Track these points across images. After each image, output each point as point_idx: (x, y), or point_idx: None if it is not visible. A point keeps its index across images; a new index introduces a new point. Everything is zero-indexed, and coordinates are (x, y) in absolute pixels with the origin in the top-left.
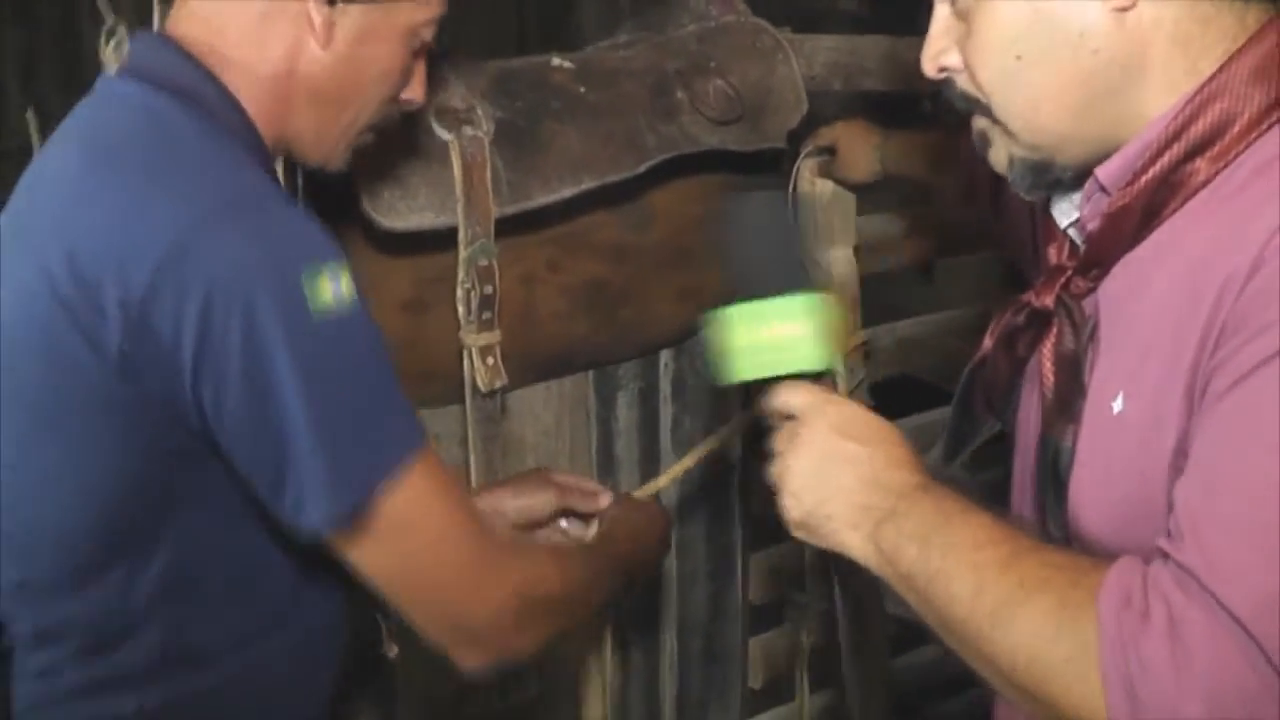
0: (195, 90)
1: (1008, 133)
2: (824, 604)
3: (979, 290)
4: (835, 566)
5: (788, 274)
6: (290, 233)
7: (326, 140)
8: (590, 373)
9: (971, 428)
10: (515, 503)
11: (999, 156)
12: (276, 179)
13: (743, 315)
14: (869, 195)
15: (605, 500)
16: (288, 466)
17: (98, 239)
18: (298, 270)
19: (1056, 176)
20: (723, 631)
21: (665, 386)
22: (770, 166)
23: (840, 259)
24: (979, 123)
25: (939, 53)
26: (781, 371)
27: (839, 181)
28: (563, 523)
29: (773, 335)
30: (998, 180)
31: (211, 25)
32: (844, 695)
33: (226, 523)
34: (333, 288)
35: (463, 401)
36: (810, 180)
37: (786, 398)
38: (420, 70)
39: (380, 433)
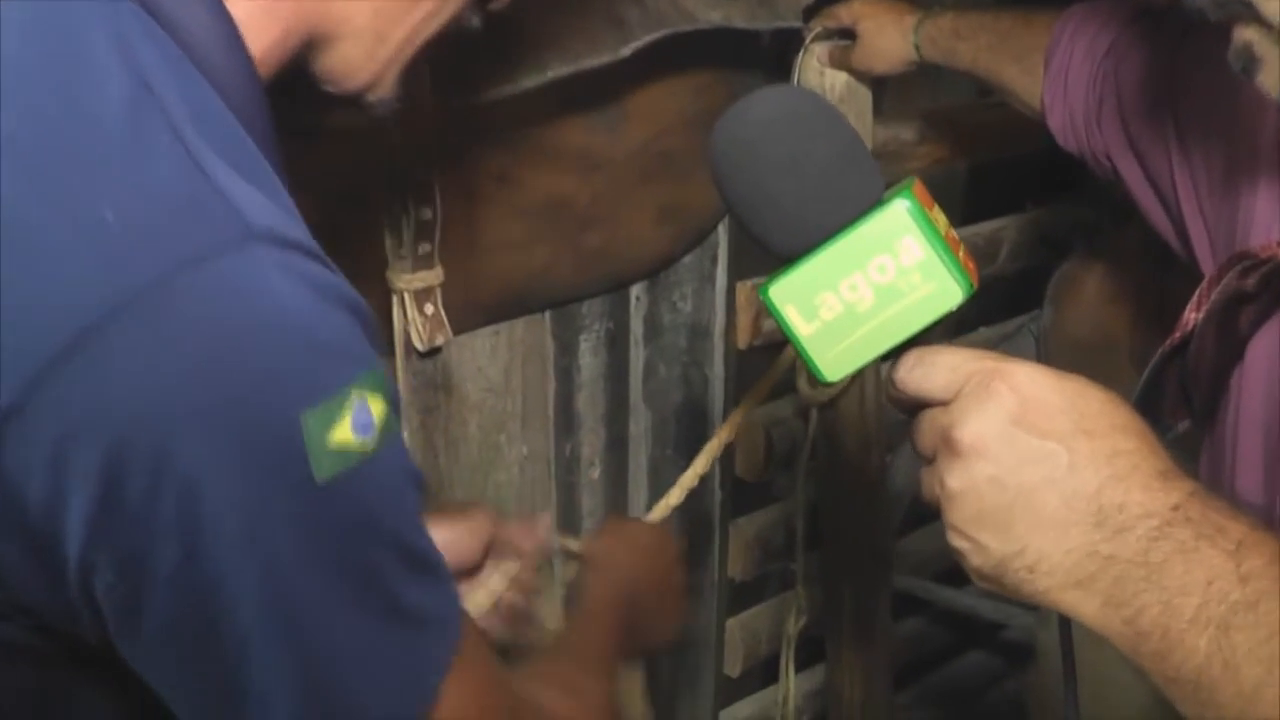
0: None
1: None
2: (814, 578)
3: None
4: (827, 537)
5: (854, 183)
6: (293, 327)
7: (387, 45)
8: (547, 314)
9: (1156, 430)
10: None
11: (1272, 79)
12: (271, 142)
13: (808, 281)
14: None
15: (543, 528)
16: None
17: None
18: (297, 407)
19: None
20: (695, 611)
21: (637, 327)
22: (768, 55)
23: None
24: (1243, 34)
25: None
26: (901, 339)
27: (855, 73)
28: (498, 576)
29: (866, 290)
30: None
31: None
32: (832, 677)
33: None
34: (356, 422)
35: (392, 357)
36: (819, 71)
37: (921, 382)
38: None
39: (409, 653)
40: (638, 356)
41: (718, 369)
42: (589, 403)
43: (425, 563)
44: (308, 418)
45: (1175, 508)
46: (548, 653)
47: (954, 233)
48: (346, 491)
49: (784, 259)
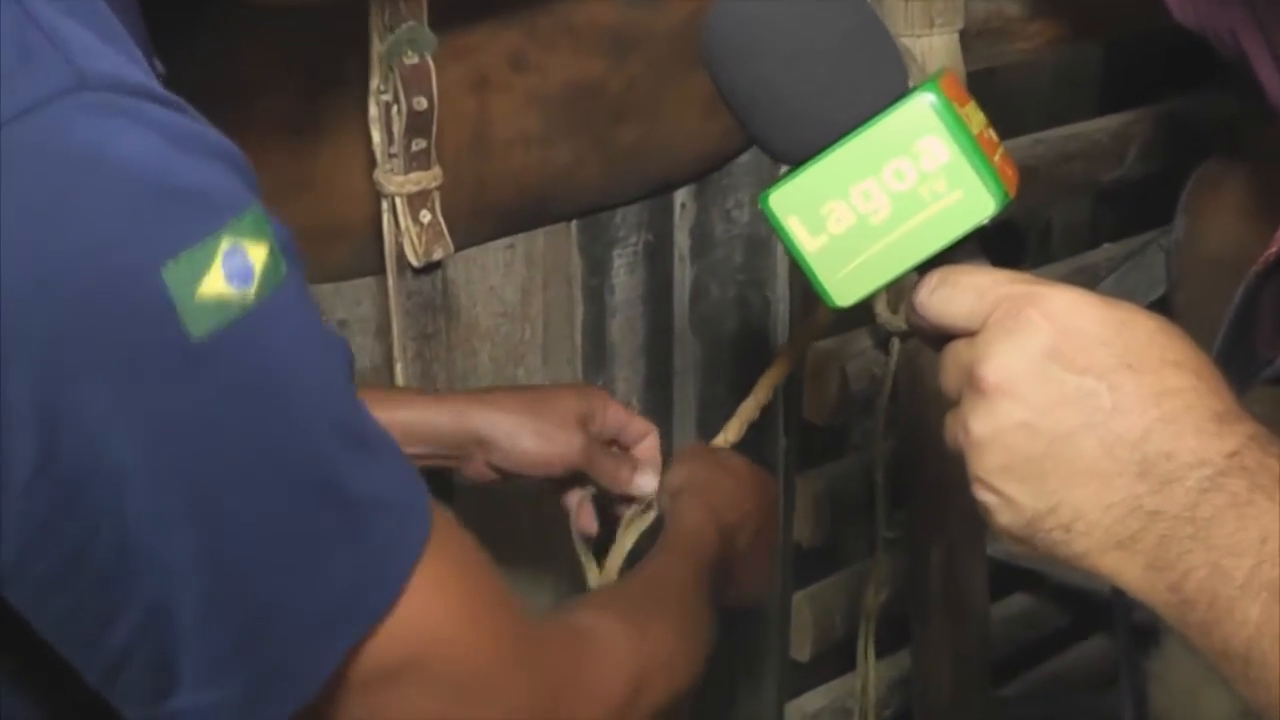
0: None
1: None
2: (897, 542)
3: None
4: (913, 493)
5: (870, 74)
6: (140, 175)
7: None
8: (573, 224)
9: (1246, 365)
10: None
11: None
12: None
13: (814, 187)
14: None
15: (652, 442)
16: (150, 656)
17: None
18: (154, 259)
19: None
20: None
21: (682, 239)
22: None
23: (939, 49)
24: None
25: None
26: (923, 258)
27: None
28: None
29: (882, 199)
30: None
31: None
32: (916, 663)
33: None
34: (230, 270)
35: (382, 274)
36: None
37: (943, 307)
38: None
39: (359, 544)
40: (684, 275)
41: (780, 290)
42: (624, 331)
43: (367, 439)
44: (169, 270)
45: (1231, 455)
46: (617, 583)
47: (992, 134)
48: (235, 349)
49: (789, 164)
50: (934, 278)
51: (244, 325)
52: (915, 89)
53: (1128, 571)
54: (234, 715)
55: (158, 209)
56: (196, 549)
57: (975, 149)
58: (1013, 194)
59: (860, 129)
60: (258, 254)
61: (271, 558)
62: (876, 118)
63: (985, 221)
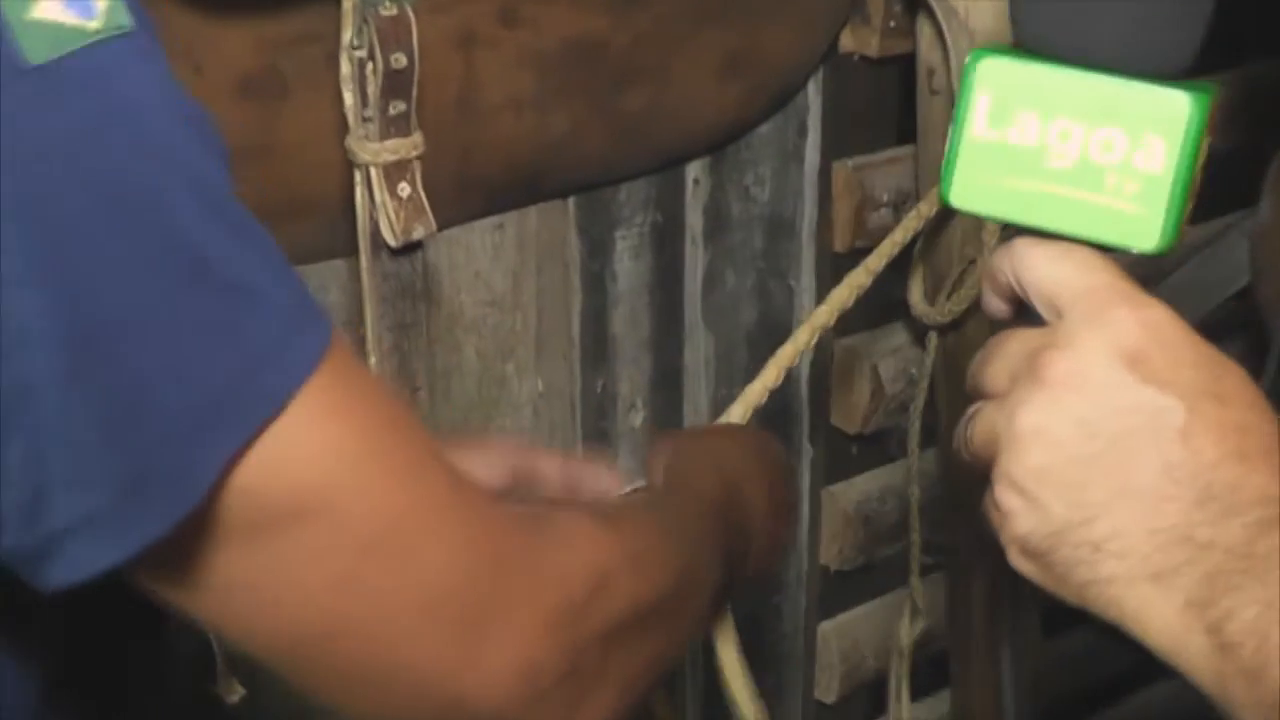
0: None
1: None
2: (936, 567)
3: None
4: (955, 512)
5: (1168, 37)
6: None
7: None
8: (570, 200)
9: None
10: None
11: None
12: None
13: (1031, 84)
14: None
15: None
16: (21, 452)
17: None
18: None
19: None
20: (778, 612)
21: (695, 220)
22: None
23: (986, 12)
24: None
25: None
26: (1050, 227)
27: None
28: None
29: (1073, 150)
30: None
31: None
32: (958, 707)
33: None
34: None
35: (353, 256)
36: None
37: (1036, 266)
38: None
39: (232, 331)
40: (696, 260)
41: (805, 279)
42: (628, 323)
43: (242, 224)
44: None
45: None
46: None
47: (1201, 177)
48: (80, 78)
49: (1029, 45)
50: (1040, 250)
51: (90, 55)
52: (1185, 84)
53: (1158, 609)
54: (110, 527)
55: None
56: (48, 309)
57: (1186, 184)
58: (1172, 249)
59: (1115, 74)
60: None
61: (129, 331)
62: (1136, 78)
63: (1129, 249)
